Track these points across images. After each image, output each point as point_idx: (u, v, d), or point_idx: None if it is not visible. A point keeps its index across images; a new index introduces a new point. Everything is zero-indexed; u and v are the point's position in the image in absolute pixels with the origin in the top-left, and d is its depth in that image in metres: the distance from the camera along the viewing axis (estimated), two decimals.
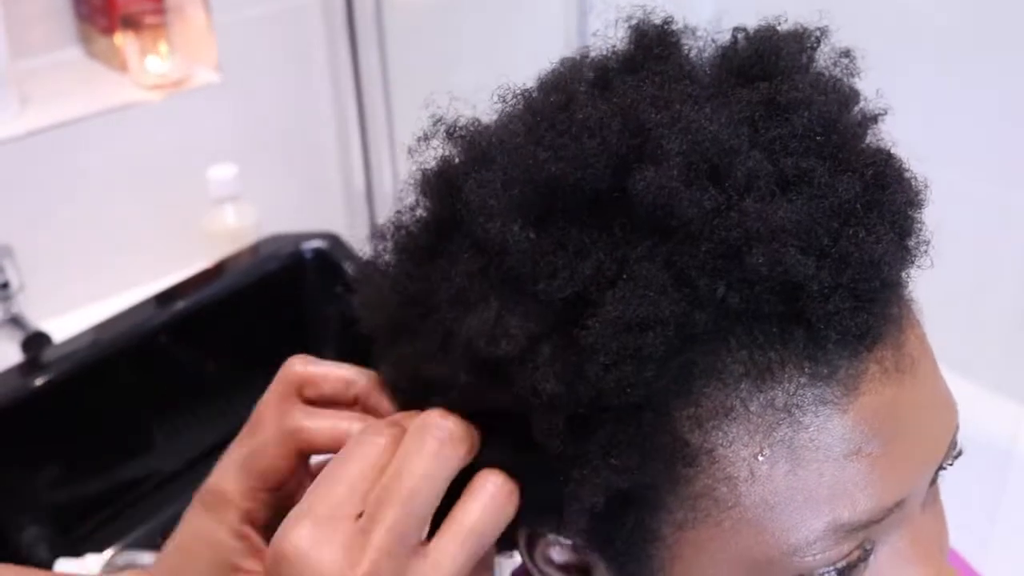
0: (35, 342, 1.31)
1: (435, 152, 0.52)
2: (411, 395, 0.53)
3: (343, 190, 1.79)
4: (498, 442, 0.49)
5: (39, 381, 1.17)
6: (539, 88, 0.51)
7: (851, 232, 0.45)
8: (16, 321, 1.35)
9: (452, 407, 0.49)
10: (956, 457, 0.52)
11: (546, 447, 0.47)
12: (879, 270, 0.45)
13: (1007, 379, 1.27)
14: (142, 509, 1.22)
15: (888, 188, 0.47)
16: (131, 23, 1.55)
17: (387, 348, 0.53)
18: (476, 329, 0.46)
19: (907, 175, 0.49)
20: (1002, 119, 1.20)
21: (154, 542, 1.20)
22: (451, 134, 0.52)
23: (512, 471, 0.49)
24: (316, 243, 1.34)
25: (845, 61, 0.51)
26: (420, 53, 1.66)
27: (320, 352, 1.43)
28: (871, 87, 0.51)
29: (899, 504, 0.46)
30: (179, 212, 1.57)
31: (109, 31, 1.58)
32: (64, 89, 1.55)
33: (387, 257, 0.54)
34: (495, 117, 0.52)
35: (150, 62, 1.57)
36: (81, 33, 1.64)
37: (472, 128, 0.52)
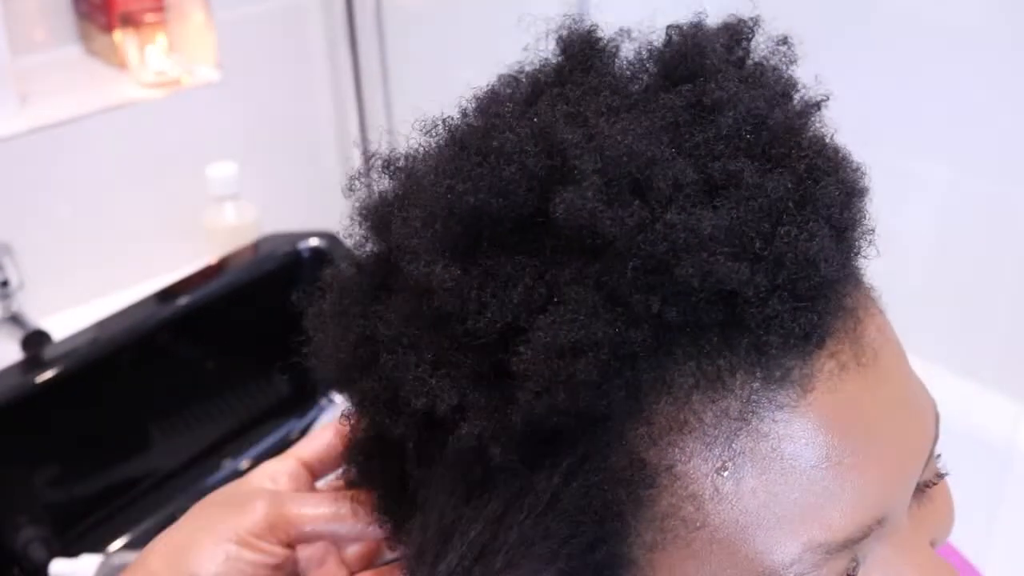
0: (35, 340, 1.31)
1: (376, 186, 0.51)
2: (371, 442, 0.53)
3: (342, 187, 1.79)
4: (463, 489, 0.47)
5: (39, 379, 1.17)
6: (465, 114, 0.50)
7: (783, 232, 0.43)
8: (16, 319, 1.35)
9: (410, 456, 0.49)
10: (941, 476, 0.50)
11: (504, 487, 0.45)
12: (816, 268, 0.43)
13: (1006, 377, 1.27)
14: (141, 508, 1.22)
15: (821, 181, 0.44)
16: (131, 21, 1.55)
17: (344, 391, 0.52)
18: (412, 384, 0.45)
19: (844, 165, 0.47)
20: (1002, 114, 1.20)
21: None
22: (386, 168, 0.51)
23: (475, 518, 0.47)
24: (313, 242, 1.34)
25: (783, 49, 0.49)
26: (420, 52, 1.66)
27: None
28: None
29: (880, 522, 0.44)
30: (179, 210, 1.57)
31: (108, 29, 1.57)
32: (63, 87, 1.55)
33: (342, 299, 0.51)
34: (425, 148, 0.50)
35: (150, 60, 1.57)
36: (81, 31, 1.63)
37: (408, 160, 0.50)
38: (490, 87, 0.51)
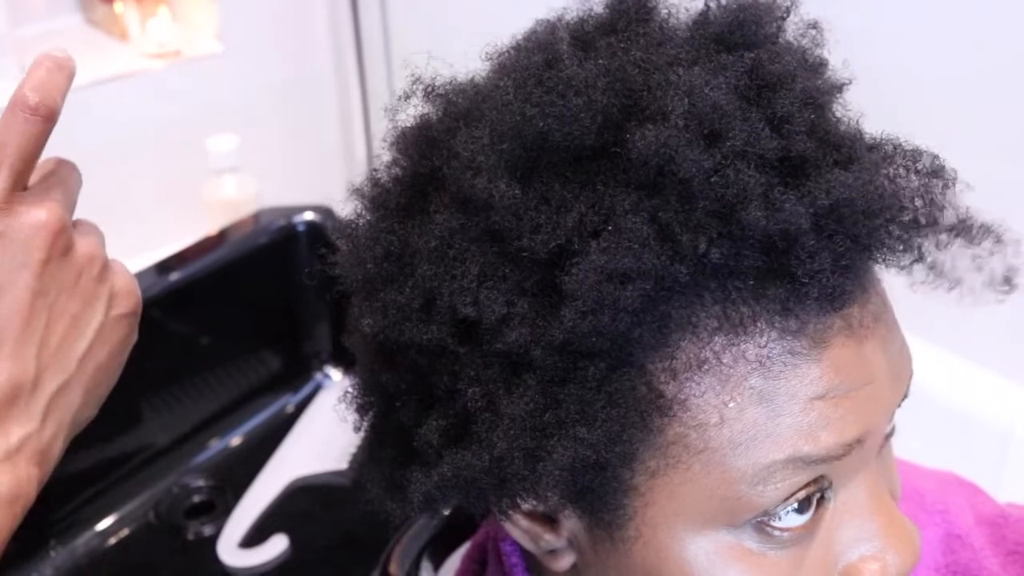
0: None
1: (413, 112, 0.54)
2: (391, 352, 0.53)
3: (344, 161, 1.78)
4: (477, 404, 0.50)
5: None
6: (519, 48, 0.52)
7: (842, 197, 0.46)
8: None
9: (432, 370, 0.50)
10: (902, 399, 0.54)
11: (524, 407, 0.48)
12: (858, 242, 0.47)
13: (1010, 361, 1.26)
14: (133, 483, 1.22)
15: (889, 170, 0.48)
16: None
17: (366, 302, 0.53)
18: (458, 291, 0.47)
19: (920, 154, 0.50)
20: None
21: (146, 516, 1.20)
22: (429, 93, 0.53)
23: (488, 436, 0.49)
24: (309, 216, 1.33)
25: (813, 32, 0.52)
26: (422, 24, 1.64)
27: (313, 326, 1.42)
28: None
29: (859, 441, 0.48)
30: (178, 182, 1.57)
31: None
32: None
33: (366, 215, 0.55)
34: (477, 76, 0.53)
35: (150, 30, 1.55)
36: (81, 1, 1.62)
37: (451, 87, 0.53)
38: (530, 30, 0.53)
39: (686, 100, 0.46)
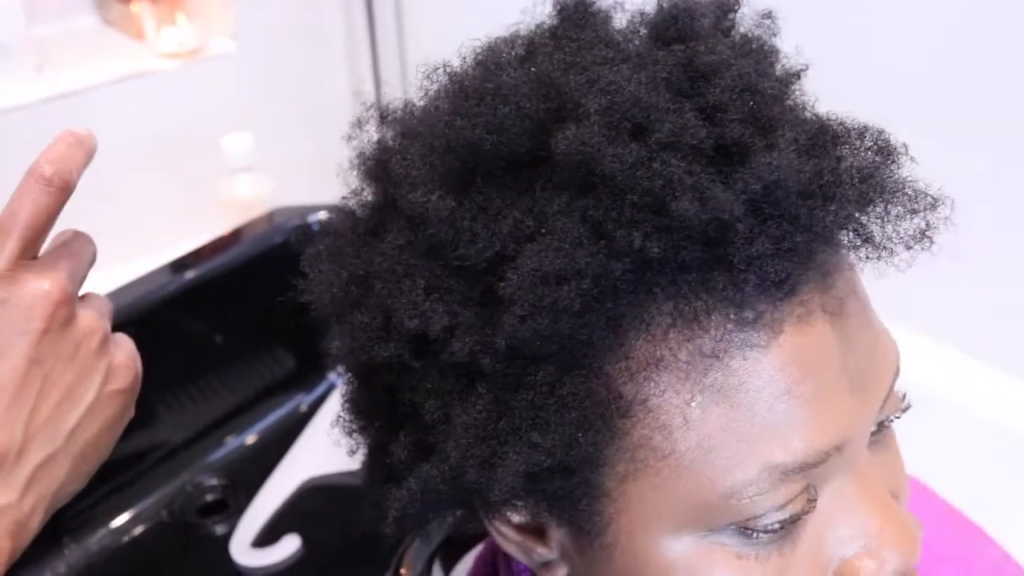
0: None
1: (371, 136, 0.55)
2: (364, 373, 0.54)
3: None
4: (434, 416, 0.50)
5: None
6: (468, 64, 0.53)
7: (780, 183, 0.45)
8: None
9: (399, 387, 0.51)
10: (904, 411, 0.52)
11: (477, 416, 0.48)
12: (803, 227, 0.45)
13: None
14: (146, 481, 1.22)
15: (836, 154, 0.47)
16: None
17: (337, 325, 0.54)
18: (406, 306, 0.48)
19: (863, 134, 0.49)
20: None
21: (159, 515, 1.21)
22: (384, 117, 0.55)
23: (444, 446, 0.50)
24: (324, 215, 1.33)
25: (767, 22, 0.52)
26: (437, 23, 1.65)
27: (327, 326, 1.43)
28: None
29: (838, 448, 0.47)
30: (193, 182, 1.57)
31: None
32: (80, 56, 1.54)
33: (332, 241, 0.55)
34: (424, 96, 0.53)
35: (166, 30, 1.56)
36: (97, 0, 1.63)
37: (405, 109, 0.54)
38: (488, 43, 0.53)
39: (604, 96, 0.45)
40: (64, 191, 0.59)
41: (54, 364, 0.57)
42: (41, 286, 0.57)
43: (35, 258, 0.59)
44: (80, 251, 0.62)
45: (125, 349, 0.62)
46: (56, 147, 0.59)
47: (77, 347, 0.58)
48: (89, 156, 0.61)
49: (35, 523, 0.57)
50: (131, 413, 0.63)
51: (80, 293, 0.62)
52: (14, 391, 0.56)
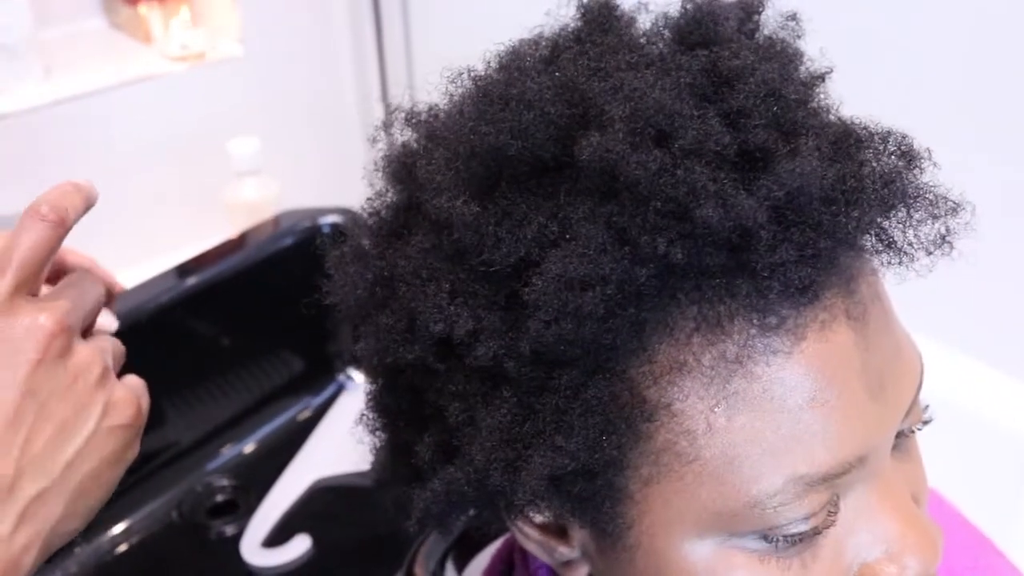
0: None
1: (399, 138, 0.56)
2: (390, 374, 0.55)
3: (365, 164, 1.78)
4: (459, 419, 0.51)
5: None
6: (492, 66, 0.53)
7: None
8: None
9: (424, 388, 0.52)
10: (925, 423, 0.53)
11: (501, 419, 0.48)
12: (827, 234, 0.46)
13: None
14: (156, 482, 1.22)
15: (858, 158, 0.48)
16: None
17: (361, 326, 0.55)
18: (431, 309, 0.49)
19: (886, 139, 0.49)
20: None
21: (169, 515, 1.21)
22: (409, 120, 0.55)
23: (469, 449, 0.50)
24: (333, 218, 1.33)
25: (792, 24, 0.52)
26: (444, 26, 1.65)
27: (335, 328, 1.43)
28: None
29: (860, 460, 0.47)
30: (200, 185, 1.57)
31: (133, 2, 1.57)
32: (87, 59, 1.55)
33: (362, 242, 0.56)
34: (448, 100, 0.54)
35: (174, 33, 1.56)
36: (105, 3, 1.63)
37: (430, 113, 0.55)
38: (512, 46, 0.54)
39: (628, 103, 0.45)
40: (61, 227, 0.60)
41: (49, 396, 0.56)
42: (36, 318, 0.56)
43: (35, 295, 0.59)
44: (85, 290, 0.62)
45: (129, 385, 0.62)
46: (54, 191, 0.61)
47: (74, 380, 0.57)
48: (87, 203, 0.62)
49: (28, 562, 0.55)
50: (135, 450, 0.62)
51: (95, 330, 0.62)
52: (6, 422, 0.55)
